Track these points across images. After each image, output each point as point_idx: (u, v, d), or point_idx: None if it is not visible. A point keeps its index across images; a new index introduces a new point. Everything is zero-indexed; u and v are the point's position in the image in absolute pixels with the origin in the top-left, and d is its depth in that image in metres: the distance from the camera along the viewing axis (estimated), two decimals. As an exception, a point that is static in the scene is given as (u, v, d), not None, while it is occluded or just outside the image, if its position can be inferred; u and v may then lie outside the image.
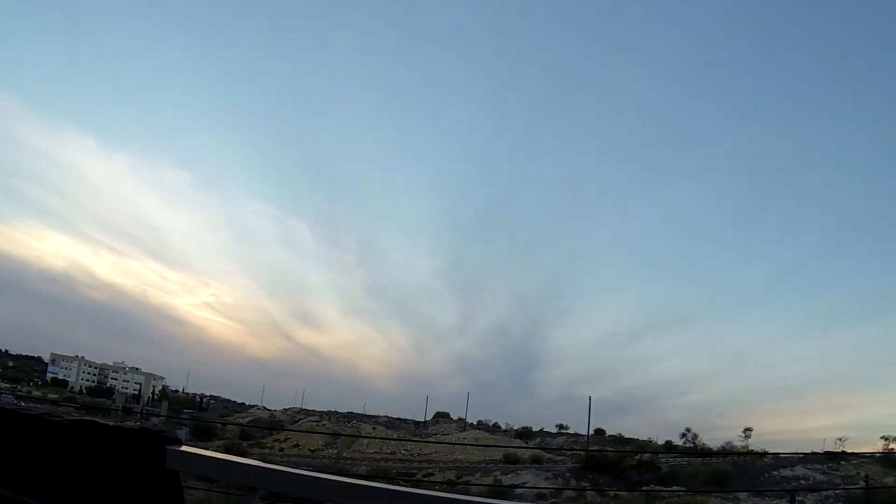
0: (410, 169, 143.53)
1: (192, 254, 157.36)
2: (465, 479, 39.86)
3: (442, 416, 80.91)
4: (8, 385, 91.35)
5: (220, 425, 66.24)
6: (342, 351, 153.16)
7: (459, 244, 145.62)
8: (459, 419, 78.41)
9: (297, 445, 58.35)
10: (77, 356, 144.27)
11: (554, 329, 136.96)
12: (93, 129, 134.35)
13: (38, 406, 45.43)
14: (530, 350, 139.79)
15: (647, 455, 44.04)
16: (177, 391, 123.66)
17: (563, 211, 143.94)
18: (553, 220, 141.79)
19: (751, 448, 46.49)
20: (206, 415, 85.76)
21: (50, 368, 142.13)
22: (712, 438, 58.32)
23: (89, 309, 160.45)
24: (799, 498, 32.95)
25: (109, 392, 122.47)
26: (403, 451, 56.36)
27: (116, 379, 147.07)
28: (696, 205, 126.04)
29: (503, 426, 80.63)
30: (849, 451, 40.17)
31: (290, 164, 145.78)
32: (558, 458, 49.54)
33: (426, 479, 40.54)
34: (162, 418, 58.11)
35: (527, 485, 37.92)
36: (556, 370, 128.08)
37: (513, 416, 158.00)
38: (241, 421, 75.70)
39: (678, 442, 55.26)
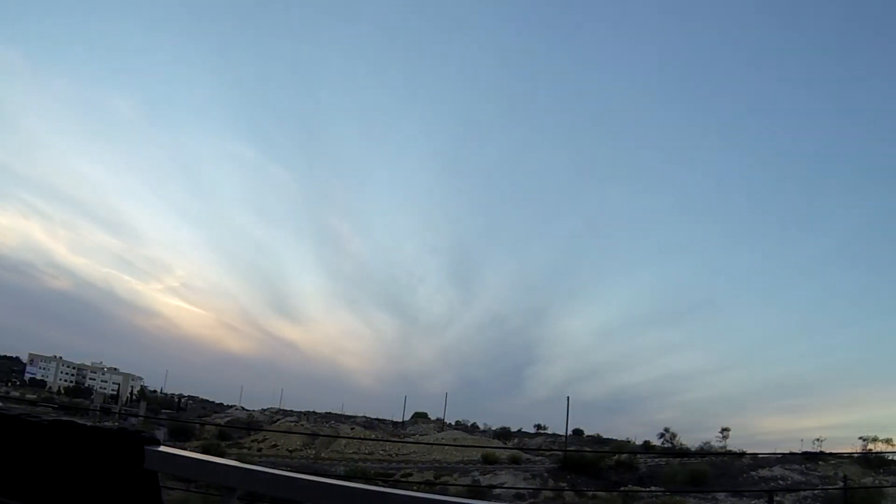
0: (405, 118, 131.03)
1: (150, 223, 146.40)
2: (443, 479, 39.40)
3: (420, 417, 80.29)
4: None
5: (198, 426, 65.62)
6: (322, 345, 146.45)
7: (457, 212, 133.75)
8: (438, 419, 77.81)
9: (275, 446, 57.58)
10: (55, 356, 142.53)
11: (556, 318, 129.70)
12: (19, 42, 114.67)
13: (16, 406, 45.46)
14: (527, 342, 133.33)
15: (625, 455, 43.55)
16: (155, 391, 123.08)
17: (583, 174, 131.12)
18: (569, 183, 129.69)
19: (729, 448, 46.23)
20: (185, 415, 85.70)
21: (28, 369, 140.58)
22: (691, 439, 58.07)
23: (54, 301, 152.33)
24: (777, 498, 32.66)
25: (88, 392, 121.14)
26: (381, 452, 55.69)
27: (95, 379, 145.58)
28: (721, 182, 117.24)
29: (481, 426, 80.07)
30: (827, 451, 39.72)
31: (267, 112, 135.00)
32: (536, 458, 49.03)
33: (404, 479, 40.03)
34: (140, 418, 58.51)
35: (505, 485, 37.42)
36: (552, 366, 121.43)
37: (498, 415, 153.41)
38: (219, 421, 74.97)
39: (656, 442, 55.06)
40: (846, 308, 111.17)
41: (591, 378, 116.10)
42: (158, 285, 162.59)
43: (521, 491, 35.40)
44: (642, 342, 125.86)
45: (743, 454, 41.02)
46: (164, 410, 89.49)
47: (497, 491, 34.61)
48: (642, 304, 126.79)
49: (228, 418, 79.79)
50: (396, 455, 54.51)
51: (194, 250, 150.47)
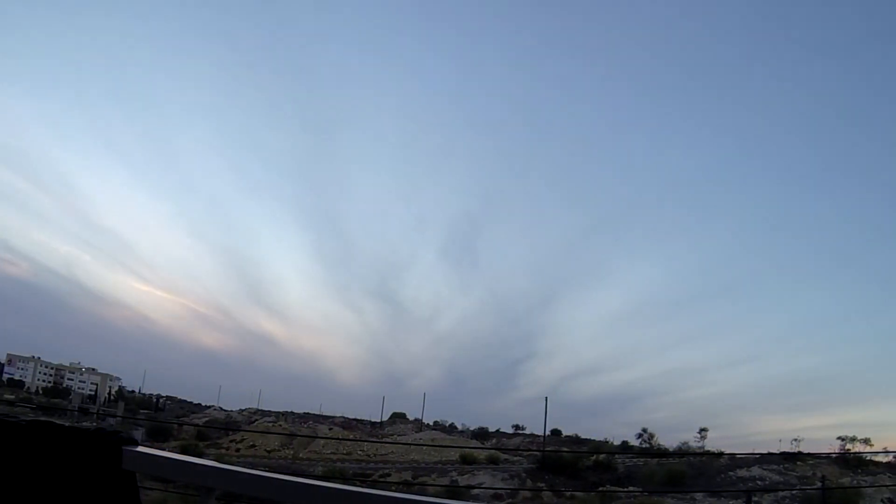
0: (404, 43, 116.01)
1: (108, 195, 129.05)
2: (421, 479, 39.14)
3: (398, 417, 79.69)
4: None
5: (176, 426, 65.17)
6: (302, 339, 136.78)
7: (456, 183, 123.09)
8: (416, 420, 77.21)
9: (253, 446, 56.97)
10: (33, 357, 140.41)
11: (563, 305, 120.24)
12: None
13: (-6, 407, 44.59)
14: (528, 334, 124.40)
15: (603, 455, 43.26)
16: (133, 392, 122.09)
17: (613, 126, 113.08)
18: (596, 139, 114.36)
19: (707, 448, 45.96)
20: (163, 415, 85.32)
21: (6, 369, 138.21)
22: (669, 439, 57.48)
23: (15, 291, 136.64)
24: (755, 498, 32.43)
25: (66, 393, 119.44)
26: (360, 452, 55.28)
27: (73, 380, 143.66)
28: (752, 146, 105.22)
29: (459, 427, 79.42)
30: (805, 451, 39.45)
31: (243, 69, 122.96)
32: (514, 458, 48.79)
33: (382, 479, 39.81)
34: (118, 419, 58.37)
35: (483, 485, 37.18)
36: (549, 362, 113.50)
37: (482, 415, 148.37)
38: (197, 421, 74.50)
39: (634, 442, 54.57)
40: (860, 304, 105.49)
41: (590, 375, 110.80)
42: (125, 272, 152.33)
43: (499, 491, 35.15)
44: (649, 334, 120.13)
45: (721, 454, 40.83)
46: (142, 411, 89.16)
47: (475, 491, 34.50)
48: (654, 290, 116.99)
49: (206, 418, 79.25)
50: (374, 455, 54.08)
51: (160, 229, 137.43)
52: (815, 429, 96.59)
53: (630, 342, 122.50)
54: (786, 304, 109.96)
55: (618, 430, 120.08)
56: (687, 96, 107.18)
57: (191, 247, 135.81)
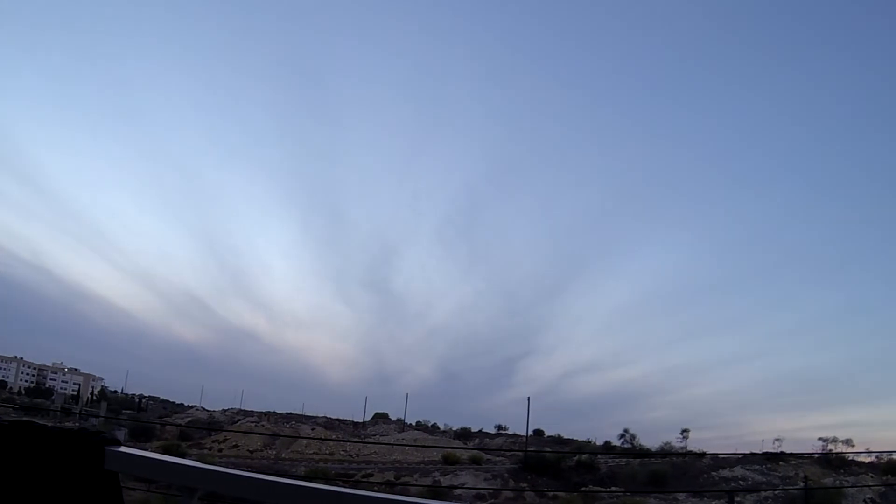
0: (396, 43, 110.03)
1: (63, 167, 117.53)
2: (403, 479, 39.20)
3: (381, 417, 79.15)
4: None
5: (158, 426, 64.70)
6: (287, 332, 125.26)
7: (461, 149, 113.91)
8: (398, 420, 76.90)
9: (236, 446, 56.50)
10: (15, 357, 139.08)
11: (567, 296, 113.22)
12: None
13: (-23, 408, 45.39)
14: (527, 327, 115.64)
15: (585, 456, 43.12)
16: (116, 392, 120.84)
17: (635, 95, 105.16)
18: (613, 112, 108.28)
19: (689, 448, 45.63)
20: (145, 415, 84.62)
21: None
22: (652, 439, 56.92)
23: None
24: (738, 499, 32.43)
25: (48, 393, 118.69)
26: (342, 452, 55.09)
27: (56, 380, 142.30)
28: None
29: (442, 427, 78.76)
30: (787, 451, 39.22)
31: (223, 27, 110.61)
32: (497, 458, 48.67)
33: (365, 479, 39.82)
34: (101, 419, 57.51)
35: (466, 486, 37.42)
36: (549, 358, 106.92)
37: (468, 415, 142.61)
38: (179, 422, 73.67)
39: (616, 443, 54.16)
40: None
41: (591, 373, 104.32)
42: (91, 256, 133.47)
43: (482, 491, 35.53)
44: (656, 327, 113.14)
45: (703, 454, 40.63)
46: (124, 411, 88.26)
47: (458, 491, 34.89)
48: (664, 280, 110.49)
49: (189, 419, 78.54)
50: (357, 456, 53.96)
51: (129, 207, 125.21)
52: (817, 428, 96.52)
53: (635, 337, 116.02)
54: (796, 299, 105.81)
55: (614, 430, 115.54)
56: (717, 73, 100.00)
57: (165, 228, 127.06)
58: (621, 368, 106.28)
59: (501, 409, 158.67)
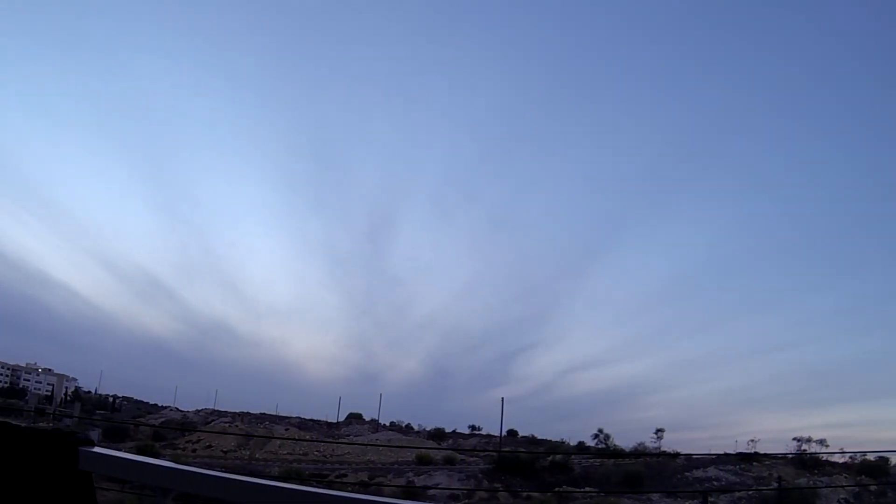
0: None
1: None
2: (377, 480, 38.81)
3: (355, 417, 78.41)
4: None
5: (132, 426, 63.92)
6: (262, 321, 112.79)
7: (471, 102, 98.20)
8: (372, 420, 76.04)
9: (209, 447, 55.84)
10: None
11: (594, 272, 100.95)
12: None
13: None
14: (538, 315, 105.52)
15: (559, 456, 42.84)
16: (89, 392, 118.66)
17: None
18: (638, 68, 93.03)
19: (663, 449, 45.26)
20: (119, 416, 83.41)
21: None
22: (626, 440, 56.05)
23: None
24: (711, 499, 32.03)
25: (23, 393, 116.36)
26: (316, 453, 54.59)
27: (29, 380, 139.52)
28: None
29: (416, 427, 77.93)
30: (761, 451, 38.88)
31: None
32: (471, 459, 48.18)
33: (339, 480, 39.41)
34: (74, 419, 57.51)
35: (439, 486, 37.18)
36: (551, 351, 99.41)
37: (452, 415, 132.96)
38: (153, 422, 73.12)
39: (590, 443, 53.61)
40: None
41: (592, 367, 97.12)
42: (42, 227, 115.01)
43: (456, 492, 35.32)
44: (670, 317, 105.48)
45: (677, 455, 40.37)
46: (98, 411, 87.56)
47: (431, 492, 34.77)
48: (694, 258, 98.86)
49: (163, 419, 77.75)
50: (331, 456, 53.49)
51: (78, 168, 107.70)
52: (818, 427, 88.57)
53: (645, 328, 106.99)
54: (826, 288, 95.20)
55: (613, 430, 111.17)
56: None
57: (124, 196, 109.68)
58: (626, 363, 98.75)
59: (496, 407, 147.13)
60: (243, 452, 54.83)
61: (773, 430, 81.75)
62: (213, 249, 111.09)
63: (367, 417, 77.20)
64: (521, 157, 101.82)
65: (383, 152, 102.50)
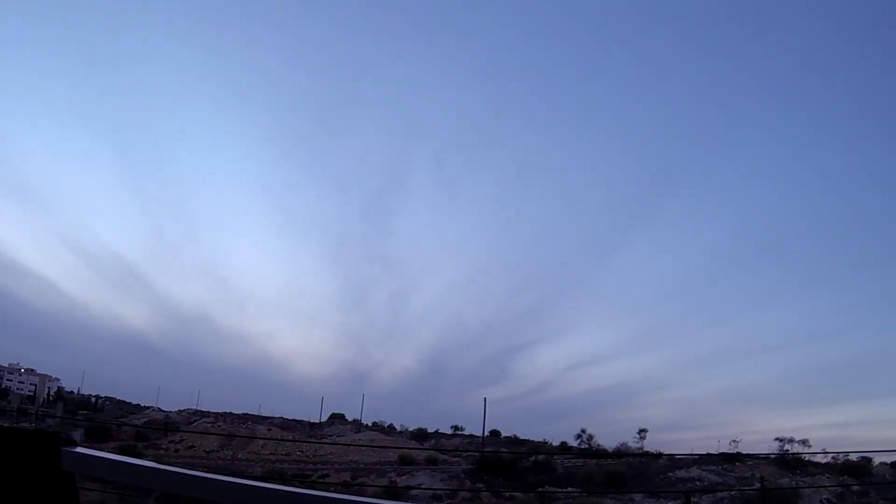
0: None
1: None
2: (360, 480, 38.99)
3: (337, 418, 77.86)
4: None
5: (115, 426, 62.88)
6: (247, 313, 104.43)
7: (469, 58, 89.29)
8: (355, 420, 75.54)
9: (192, 447, 55.70)
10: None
11: (618, 254, 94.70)
12: None
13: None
14: (545, 305, 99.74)
15: (542, 456, 42.49)
16: (72, 392, 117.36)
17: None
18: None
19: (646, 449, 44.82)
20: (102, 416, 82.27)
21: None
22: (609, 440, 55.37)
23: None
24: (694, 499, 31.82)
25: (5, 393, 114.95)
26: (299, 453, 54.45)
27: (12, 381, 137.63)
28: None
29: (398, 427, 77.28)
30: (744, 452, 38.56)
31: None
32: (454, 459, 47.97)
33: (321, 480, 39.63)
34: (57, 419, 56.26)
35: (422, 486, 37.12)
36: (549, 349, 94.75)
37: (440, 414, 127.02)
38: (136, 422, 71.96)
39: (573, 443, 53.13)
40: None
41: (590, 365, 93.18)
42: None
43: (438, 492, 35.34)
44: (678, 310, 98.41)
45: (660, 455, 39.96)
46: (81, 411, 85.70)
47: (414, 492, 34.40)
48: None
49: (145, 419, 76.77)
50: (314, 456, 53.55)
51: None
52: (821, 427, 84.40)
53: (650, 323, 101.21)
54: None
55: (610, 430, 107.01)
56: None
57: (92, 172, 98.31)
58: (626, 361, 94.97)
59: (493, 406, 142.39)
60: (226, 453, 54.61)
61: (773, 430, 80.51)
62: (193, 233, 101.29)
63: (350, 417, 76.83)
64: (529, 141, 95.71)
65: (383, 117, 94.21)
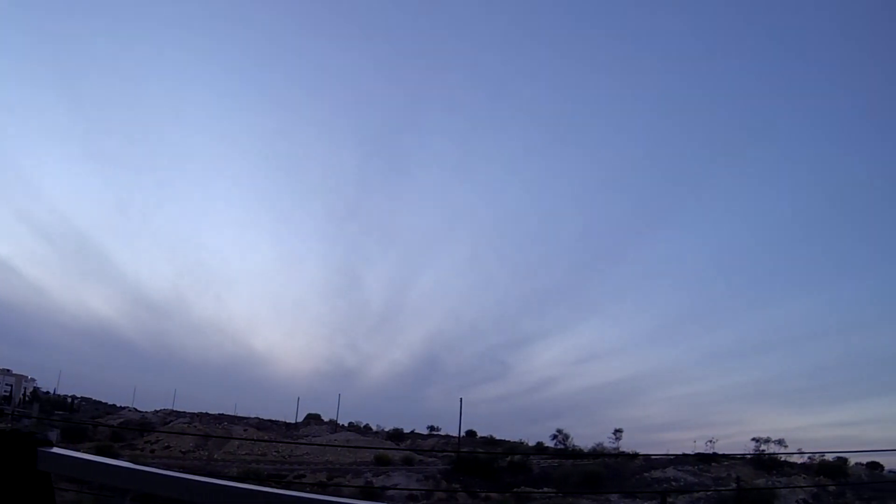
0: None
1: None
2: (336, 480, 38.69)
3: (313, 418, 77.06)
4: None
5: (91, 427, 62.24)
6: (227, 303, 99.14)
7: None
8: (331, 421, 74.66)
9: (168, 447, 55.01)
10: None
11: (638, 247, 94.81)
12: None
13: None
14: (535, 307, 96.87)
15: (517, 456, 42.13)
16: (48, 393, 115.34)
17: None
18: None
19: (622, 449, 44.31)
20: (78, 416, 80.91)
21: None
22: (585, 440, 54.79)
23: None
24: (670, 500, 31.52)
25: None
26: (275, 453, 53.94)
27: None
28: None
29: (374, 428, 76.17)
30: (720, 452, 38.06)
31: None
32: (430, 459, 47.67)
33: (297, 480, 39.02)
34: (33, 420, 55.52)
35: (398, 486, 36.77)
36: (560, 343, 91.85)
37: (429, 413, 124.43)
38: (112, 422, 71.41)
39: (549, 443, 52.58)
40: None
41: (590, 362, 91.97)
42: None
43: (415, 492, 35.07)
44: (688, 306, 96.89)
45: (636, 455, 39.36)
46: (56, 412, 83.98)
47: (390, 492, 34.28)
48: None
49: (121, 420, 75.97)
50: (290, 457, 53.13)
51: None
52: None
53: (643, 327, 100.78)
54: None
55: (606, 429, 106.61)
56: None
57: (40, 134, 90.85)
58: (627, 358, 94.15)
59: (492, 404, 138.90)
60: (202, 453, 54.26)
61: (775, 429, 77.52)
62: (160, 200, 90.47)
63: (327, 417, 75.84)
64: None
65: (388, 65, 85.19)
